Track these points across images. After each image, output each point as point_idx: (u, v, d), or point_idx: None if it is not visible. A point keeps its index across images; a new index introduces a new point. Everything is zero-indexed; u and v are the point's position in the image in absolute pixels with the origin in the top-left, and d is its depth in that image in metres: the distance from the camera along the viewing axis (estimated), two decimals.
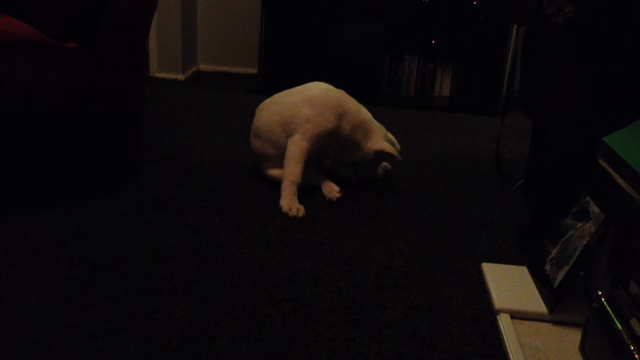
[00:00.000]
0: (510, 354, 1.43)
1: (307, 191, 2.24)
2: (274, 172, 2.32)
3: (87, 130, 2.03)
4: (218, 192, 2.25)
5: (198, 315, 1.52)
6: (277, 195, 2.20)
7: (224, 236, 1.92)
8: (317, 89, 2.32)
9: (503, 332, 1.50)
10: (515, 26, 3.52)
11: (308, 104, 2.26)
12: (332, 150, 2.43)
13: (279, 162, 2.27)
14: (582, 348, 1.42)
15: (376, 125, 2.36)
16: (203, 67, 4.40)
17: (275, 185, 2.28)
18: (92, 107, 2.02)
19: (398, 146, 2.47)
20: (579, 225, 1.60)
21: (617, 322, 1.26)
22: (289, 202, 2.14)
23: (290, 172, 2.19)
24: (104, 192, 2.14)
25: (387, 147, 2.31)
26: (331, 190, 2.25)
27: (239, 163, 2.55)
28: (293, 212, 2.10)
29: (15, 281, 1.60)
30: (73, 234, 1.87)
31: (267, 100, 2.39)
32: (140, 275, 1.67)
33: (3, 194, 2.01)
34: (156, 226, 1.96)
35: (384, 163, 2.44)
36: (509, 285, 1.69)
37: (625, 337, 1.21)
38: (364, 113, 2.35)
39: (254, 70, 4.27)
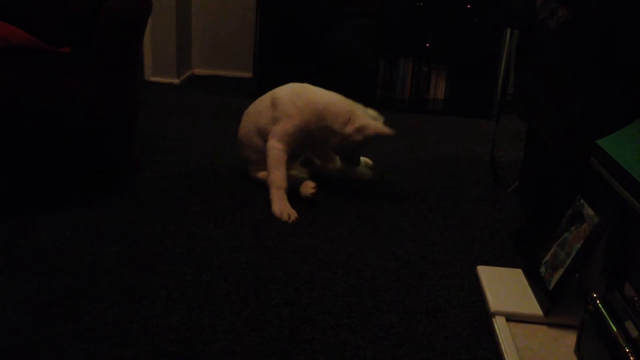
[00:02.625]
0: (505, 356, 1.43)
1: (299, 196, 2.24)
2: (263, 174, 2.33)
3: (82, 135, 2.03)
4: (213, 196, 2.25)
5: (193, 319, 1.51)
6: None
7: (219, 240, 1.92)
8: (281, 91, 2.32)
9: (499, 334, 1.50)
10: (509, 30, 3.53)
11: (274, 106, 2.27)
12: (312, 146, 2.40)
13: (262, 166, 2.30)
14: (578, 350, 1.42)
15: (348, 105, 2.24)
16: (198, 71, 4.40)
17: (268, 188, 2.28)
18: (87, 112, 2.02)
19: (382, 118, 2.34)
20: (573, 228, 1.60)
21: (612, 325, 1.26)
22: (280, 207, 2.14)
23: (274, 178, 2.20)
24: (98, 197, 2.14)
25: (379, 129, 2.21)
26: (306, 187, 2.24)
27: (234, 167, 2.55)
28: (284, 217, 2.10)
29: (10, 286, 1.60)
30: (67, 239, 1.86)
31: (246, 111, 2.43)
32: (136, 280, 1.67)
33: None
34: (151, 231, 1.95)
35: (366, 160, 2.42)
36: (504, 288, 1.69)
37: (620, 339, 1.21)
38: (330, 97, 2.26)
39: (248, 74, 4.26)
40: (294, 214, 2.11)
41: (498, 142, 2.97)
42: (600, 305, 1.33)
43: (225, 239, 1.94)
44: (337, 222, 2.11)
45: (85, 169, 2.10)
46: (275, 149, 2.22)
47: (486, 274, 1.77)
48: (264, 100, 2.35)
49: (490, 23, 3.56)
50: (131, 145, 2.24)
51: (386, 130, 2.24)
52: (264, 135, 2.29)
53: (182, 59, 4.14)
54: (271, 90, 2.37)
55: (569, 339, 1.49)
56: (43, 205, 2.03)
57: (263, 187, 2.32)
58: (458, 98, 3.91)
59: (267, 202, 2.20)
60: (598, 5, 1.68)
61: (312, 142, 2.34)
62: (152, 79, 4.07)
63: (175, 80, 4.06)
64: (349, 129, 2.20)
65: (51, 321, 1.47)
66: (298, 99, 2.25)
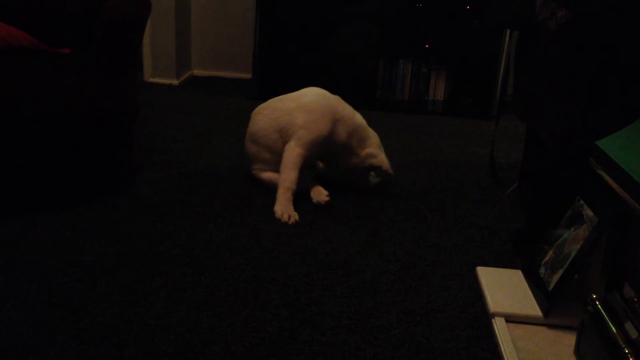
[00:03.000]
0: (505, 357, 1.43)
1: (301, 196, 2.24)
2: (268, 175, 2.32)
3: (81, 135, 2.03)
4: (213, 197, 2.25)
5: (193, 320, 1.51)
6: (272, 200, 2.20)
7: (219, 241, 1.92)
8: (312, 95, 2.32)
9: (498, 335, 1.51)
10: (508, 31, 3.53)
11: (303, 110, 2.26)
12: (326, 156, 2.42)
13: (275, 166, 2.28)
14: (577, 351, 1.42)
15: (371, 133, 2.37)
16: (197, 72, 4.40)
17: (269, 189, 2.28)
18: (86, 113, 2.02)
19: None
20: (573, 229, 1.60)
21: (611, 326, 1.26)
22: (283, 208, 2.13)
23: (286, 179, 2.19)
24: (98, 197, 2.14)
25: (384, 163, 2.33)
26: (320, 194, 2.25)
27: (234, 168, 2.55)
28: (285, 218, 2.10)
29: (9, 287, 1.60)
30: (67, 240, 1.86)
31: (263, 105, 2.39)
32: (135, 281, 1.67)
33: None
34: (150, 231, 1.95)
35: (372, 174, 2.45)
36: (503, 289, 1.69)
37: (619, 340, 1.22)
38: (359, 119, 2.35)
39: (248, 75, 4.27)
40: (294, 217, 2.11)
41: (497, 143, 2.97)
42: (599, 306, 1.33)
43: (224, 239, 1.94)
44: (337, 223, 2.11)
45: (84, 170, 2.10)
46: (296, 152, 2.21)
47: (486, 274, 1.77)
48: (289, 101, 2.32)
49: (489, 24, 3.56)
50: (131, 146, 2.24)
51: (389, 169, 2.34)
52: (284, 135, 2.27)
53: (182, 59, 4.14)
54: (288, 91, 2.38)
55: (569, 340, 1.49)
56: (43, 206, 2.03)
57: (264, 188, 2.32)
58: (457, 99, 3.91)
59: (267, 203, 2.20)
60: (598, 6, 1.68)
61: (324, 152, 2.35)
62: (152, 79, 4.07)
63: (175, 81, 4.06)
64: (363, 152, 2.32)
65: (50, 322, 1.47)
66: (332, 111, 2.27)
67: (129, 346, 1.40)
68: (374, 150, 2.33)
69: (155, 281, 1.67)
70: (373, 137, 2.37)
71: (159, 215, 2.07)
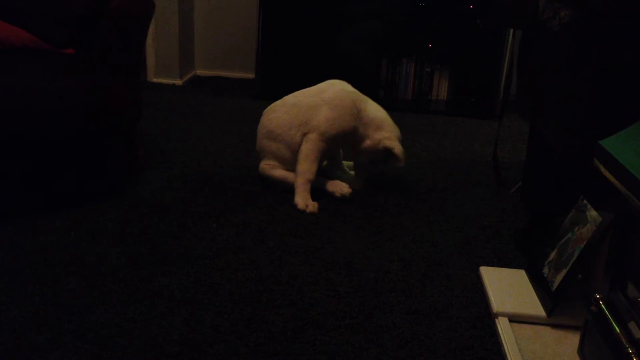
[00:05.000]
0: (508, 357, 1.43)
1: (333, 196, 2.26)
2: (281, 172, 2.31)
3: (85, 135, 2.04)
4: (216, 197, 2.25)
5: (196, 320, 1.51)
6: (276, 200, 2.20)
7: (222, 241, 1.92)
8: (335, 90, 2.33)
9: (501, 335, 1.50)
10: (511, 30, 3.52)
11: (327, 105, 2.27)
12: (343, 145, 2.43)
13: (291, 165, 2.28)
14: (581, 351, 1.42)
15: (389, 123, 2.37)
16: (200, 72, 4.41)
17: (276, 187, 2.29)
18: (90, 113, 2.02)
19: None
20: (576, 228, 1.60)
21: (615, 326, 1.26)
22: (304, 200, 2.17)
23: (306, 170, 2.21)
24: (101, 198, 2.14)
25: (398, 148, 2.31)
26: (340, 186, 2.27)
27: (237, 168, 2.55)
28: (310, 208, 2.14)
29: (14, 287, 1.60)
30: (70, 239, 1.86)
31: (278, 102, 2.38)
32: (138, 281, 1.67)
33: (0, 200, 2.01)
34: (154, 232, 1.95)
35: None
36: (507, 289, 1.69)
37: (623, 340, 1.21)
38: (378, 111, 2.37)
39: (251, 75, 4.27)
40: (316, 207, 2.16)
41: (501, 143, 2.97)
42: (603, 306, 1.33)
43: (227, 239, 1.94)
44: (340, 223, 2.11)
45: (88, 170, 2.10)
46: (317, 144, 2.23)
47: (489, 274, 1.77)
48: (311, 96, 2.33)
49: (492, 23, 3.55)
50: (134, 146, 2.24)
51: (402, 157, 2.32)
52: (304, 130, 2.27)
53: (185, 60, 4.15)
54: (291, 91, 2.39)
55: (572, 339, 1.49)
56: (46, 206, 2.04)
57: (267, 187, 2.33)
58: (460, 98, 3.90)
59: (271, 203, 2.20)
60: (600, 6, 1.68)
61: (347, 143, 2.37)
62: (155, 80, 4.08)
63: (178, 81, 4.07)
64: (380, 135, 2.32)
65: (54, 321, 1.47)
66: (353, 105, 2.30)
67: (132, 346, 1.40)
68: (391, 134, 2.34)
69: (159, 281, 1.68)
70: (392, 126, 2.37)
71: (162, 215, 2.07)
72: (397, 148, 2.30)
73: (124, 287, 1.63)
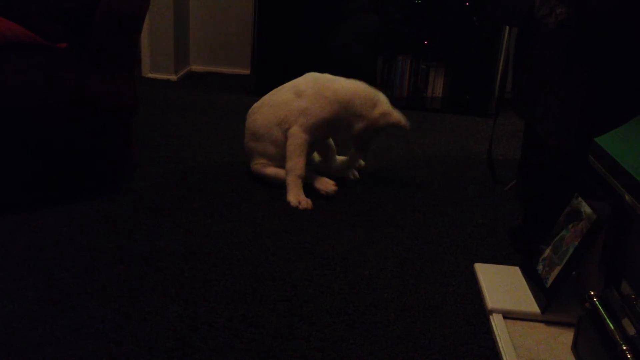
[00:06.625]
0: (503, 354, 1.43)
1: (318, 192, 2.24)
2: (272, 170, 2.32)
3: (79, 131, 2.03)
4: (211, 193, 2.25)
5: (190, 316, 1.51)
6: (271, 196, 2.20)
7: (217, 237, 1.92)
8: (305, 81, 2.34)
9: (496, 332, 1.51)
10: (507, 27, 3.53)
11: (299, 97, 2.28)
12: (336, 131, 2.40)
13: (281, 161, 2.28)
14: (575, 348, 1.43)
15: (376, 92, 2.35)
16: (195, 67, 4.40)
17: (269, 184, 2.28)
18: (84, 108, 2.01)
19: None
20: (571, 225, 1.60)
21: (609, 322, 1.26)
22: (297, 197, 2.17)
23: (293, 166, 2.21)
24: (96, 193, 2.13)
25: (401, 119, 2.32)
26: (326, 184, 2.26)
27: (232, 163, 2.55)
28: (303, 205, 2.14)
29: (7, 282, 1.59)
30: (65, 235, 1.86)
31: (257, 104, 2.40)
32: (133, 277, 1.66)
33: None
34: (148, 227, 1.95)
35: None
36: (501, 286, 1.69)
37: (617, 337, 1.22)
38: (355, 85, 2.33)
39: (246, 71, 4.27)
40: (310, 203, 2.15)
41: (496, 140, 2.97)
42: (597, 302, 1.33)
43: (222, 235, 1.93)
44: (335, 220, 2.11)
45: (82, 165, 2.09)
46: (300, 138, 2.23)
47: (483, 271, 1.78)
48: (285, 91, 2.34)
49: (488, 20, 3.56)
50: (128, 141, 2.23)
51: (405, 122, 2.33)
52: (284, 127, 2.27)
53: (180, 55, 4.14)
54: (286, 82, 2.38)
55: (566, 336, 1.49)
56: (40, 201, 2.03)
57: (262, 184, 2.32)
58: (456, 96, 3.91)
59: (266, 199, 2.20)
60: (597, 3, 1.68)
61: (335, 130, 2.35)
62: (150, 75, 4.07)
63: (173, 77, 4.06)
64: (375, 113, 2.29)
65: (48, 317, 1.46)
66: (325, 89, 2.28)
67: (126, 341, 1.40)
68: (387, 108, 2.33)
69: (153, 277, 1.67)
70: (380, 96, 2.35)
71: (157, 211, 2.06)
72: (400, 119, 2.32)
73: (118, 283, 1.63)
